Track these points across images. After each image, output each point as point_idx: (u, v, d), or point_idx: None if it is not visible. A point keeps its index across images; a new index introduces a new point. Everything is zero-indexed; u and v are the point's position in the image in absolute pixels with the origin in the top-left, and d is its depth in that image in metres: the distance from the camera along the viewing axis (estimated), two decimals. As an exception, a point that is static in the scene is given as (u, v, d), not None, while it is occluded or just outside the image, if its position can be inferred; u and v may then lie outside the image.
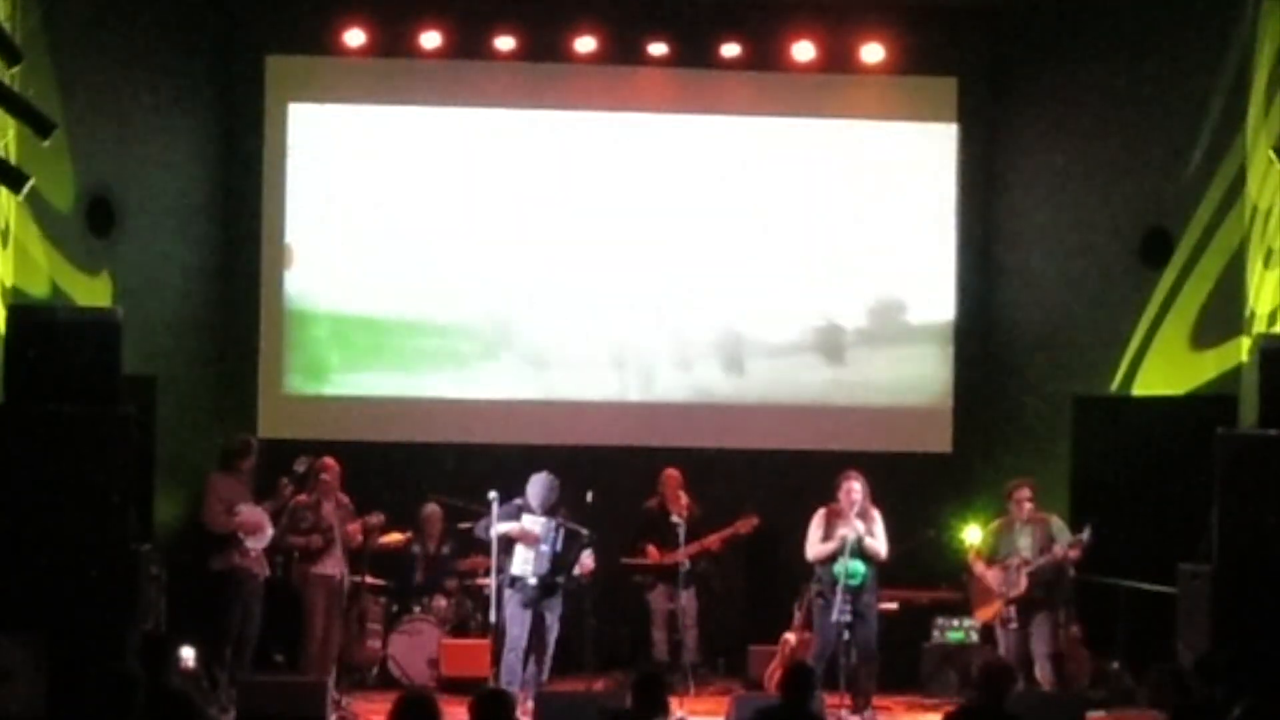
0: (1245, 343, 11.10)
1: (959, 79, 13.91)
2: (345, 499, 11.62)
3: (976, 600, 11.66)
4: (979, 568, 11.49)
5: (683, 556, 12.00)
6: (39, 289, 10.92)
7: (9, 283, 10.36)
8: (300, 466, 11.35)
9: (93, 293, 11.78)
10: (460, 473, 12.90)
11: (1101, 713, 11.06)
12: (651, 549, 12.77)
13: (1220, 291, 11.89)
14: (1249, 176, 11.42)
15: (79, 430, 9.63)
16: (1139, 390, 12.62)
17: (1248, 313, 11.28)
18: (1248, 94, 11.45)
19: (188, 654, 10.66)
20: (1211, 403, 11.55)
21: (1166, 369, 12.42)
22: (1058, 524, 11.33)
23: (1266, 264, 11.05)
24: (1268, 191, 11.13)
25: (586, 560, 11.54)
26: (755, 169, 13.91)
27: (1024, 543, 11.31)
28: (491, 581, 11.44)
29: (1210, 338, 12.01)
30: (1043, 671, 11.16)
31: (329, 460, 11.55)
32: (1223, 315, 11.82)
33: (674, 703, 11.26)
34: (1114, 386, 12.80)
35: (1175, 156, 12.42)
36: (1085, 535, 11.10)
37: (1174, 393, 12.26)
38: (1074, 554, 11.16)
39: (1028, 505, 11.35)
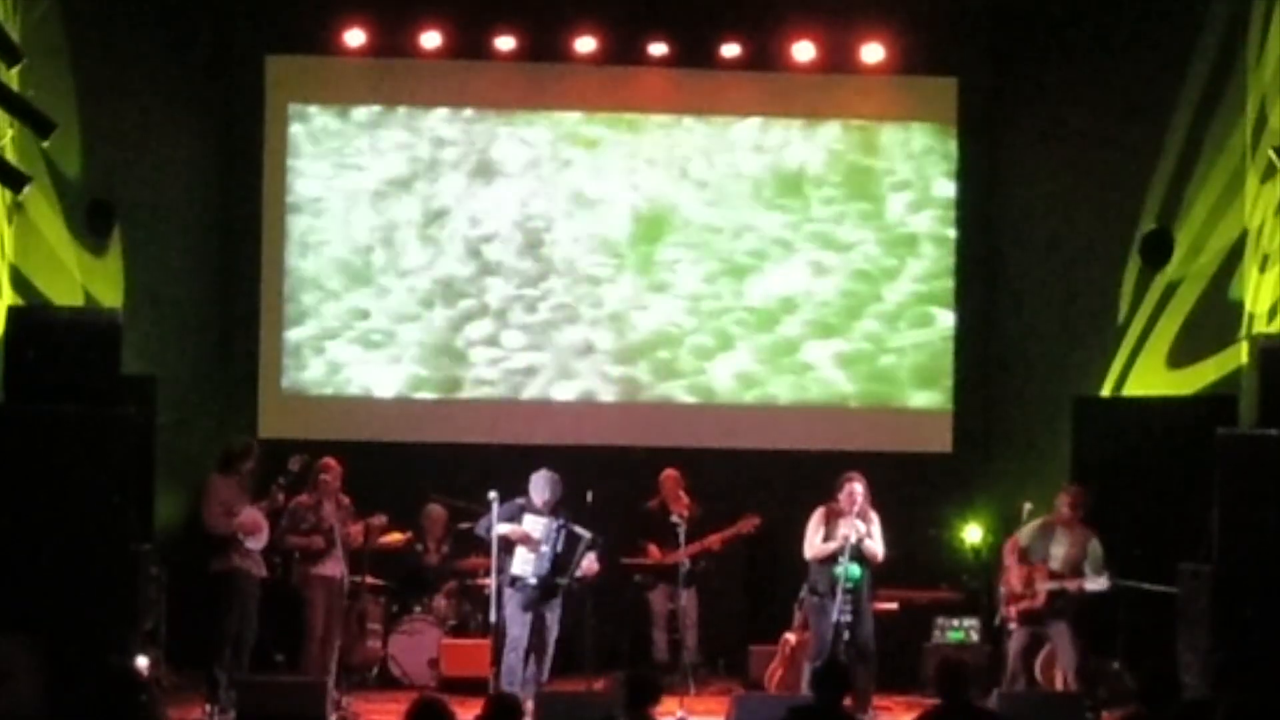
0: (1244, 345, 11.09)
1: (959, 79, 13.92)
2: (346, 499, 11.60)
3: (1003, 591, 11.53)
4: (1010, 560, 11.37)
5: (683, 556, 11.99)
6: (45, 269, 10.91)
7: (12, 259, 10.36)
8: (294, 465, 11.33)
9: (95, 274, 11.79)
10: (460, 473, 12.90)
11: (1102, 713, 11.06)
12: (652, 549, 12.78)
13: (1218, 292, 11.88)
14: (1247, 184, 11.41)
15: (79, 430, 9.63)
16: (1138, 391, 12.61)
17: (1246, 315, 11.27)
18: (1248, 92, 11.45)
19: (143, 662, 10.52)
20: (1211, 403, 11.54)
21: (1165, 370, 12.41)
22: (1095, 549, 11.13)
23: (1262, 270, 11.05)
24: (1259, 211, 11.14)
25: (590, 564, 11.52)
26: (755, 169, 13.91)
27: (1057, 551, 11.19)
28: (491, 581, 11.44)
29: (1208, 339, 12.00)
30: (1069, 683, 11.11)
31: (330, 461, 11.53)
32: (1220, 316, 11.81)
33: (674, 703, 11.34)
34: (1113, 387, 12.80)
35: (1175, 154, 12.41)
36: (1104, 583, 11.03)
37: (1174, 393, 12.25)
38: (1091, 587, 11.08)
39: (1066, 511, 11.24)
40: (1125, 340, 12.74)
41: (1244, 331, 11.21)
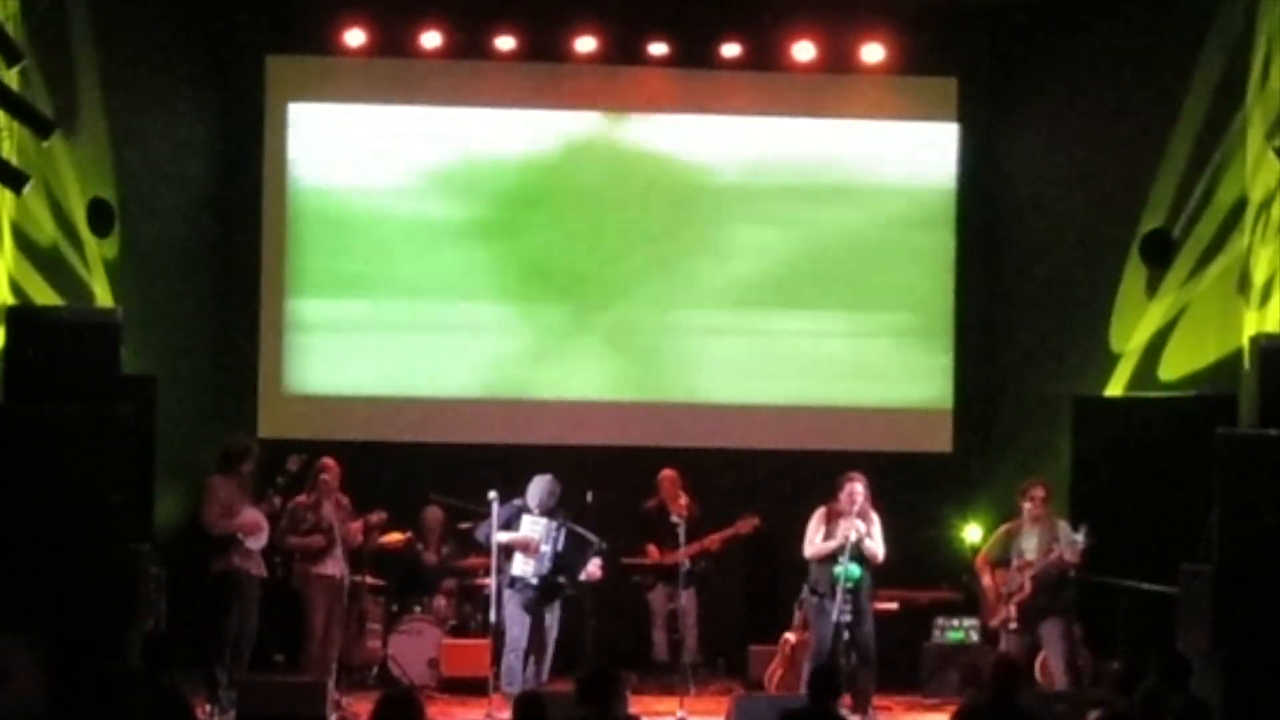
0: (1244, 345, 11.04)
1: (959, 79, 13.93)
2: (344, 499, 11.61)
3: (984, 605, 11.62)
4: (985, 576, 11.43)
5: (683, 556, 11.99)
6: (46, 232, 10.93)
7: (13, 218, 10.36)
8: (293, 466, 11.35)
9: (95, 272, 11.82)
10: (460, 473, 12.90)
11: (1097, 712, 11.05)
12: (651, 549, 12.79)
13: (1220, 291, 11.87)
14: (1246, 172, 11.40)
15: (79, 430, 9.61)
16: (1140, 390, 12.59)
17: (1248, 287, 11.22)
18: (1246, 93, 11.44)
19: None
20: (1211, 403, 11.53)
21: (1166, 369, 12.40)
22: (1065, 528, 11.23)
23: (1263, 238, 11.01)
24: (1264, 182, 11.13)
25: (594, 569, 11.53)
26: (755, 169, 13.91)
27: (1029, 544, 11.26)
28: (491, 581, 11.44)
29: (1209, 338, 11.99)
30: (1060, 678, 11.15)
31: (329, 460, 11.54)
32: (1222, 315, 11.80)
33: (674, 703, 11.34)
34: (1113, 386, 12.79)
35: (1176, 156, 12.39)
36: (1081, 538, 11.09)
37: (1173, 393, 12.24)
38: (1070, 557, 11.13)
39: (1037, 507, 11.28)
40: (1125, 340, 12.74)
41: (1247, 301, 11.16)
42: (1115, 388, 12.71)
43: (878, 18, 13.60)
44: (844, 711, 10.86)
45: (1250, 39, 11.38)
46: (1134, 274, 12.77)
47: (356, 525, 11.62)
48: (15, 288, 10.41)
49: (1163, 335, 12.35)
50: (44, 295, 10.82)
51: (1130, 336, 12.71)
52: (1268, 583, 9.78)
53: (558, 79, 13.80)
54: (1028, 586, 11.17)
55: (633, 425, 13.73)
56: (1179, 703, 7.65)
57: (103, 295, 11.82)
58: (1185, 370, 12.08)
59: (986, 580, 11.41)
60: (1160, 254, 12.46)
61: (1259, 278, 11.04)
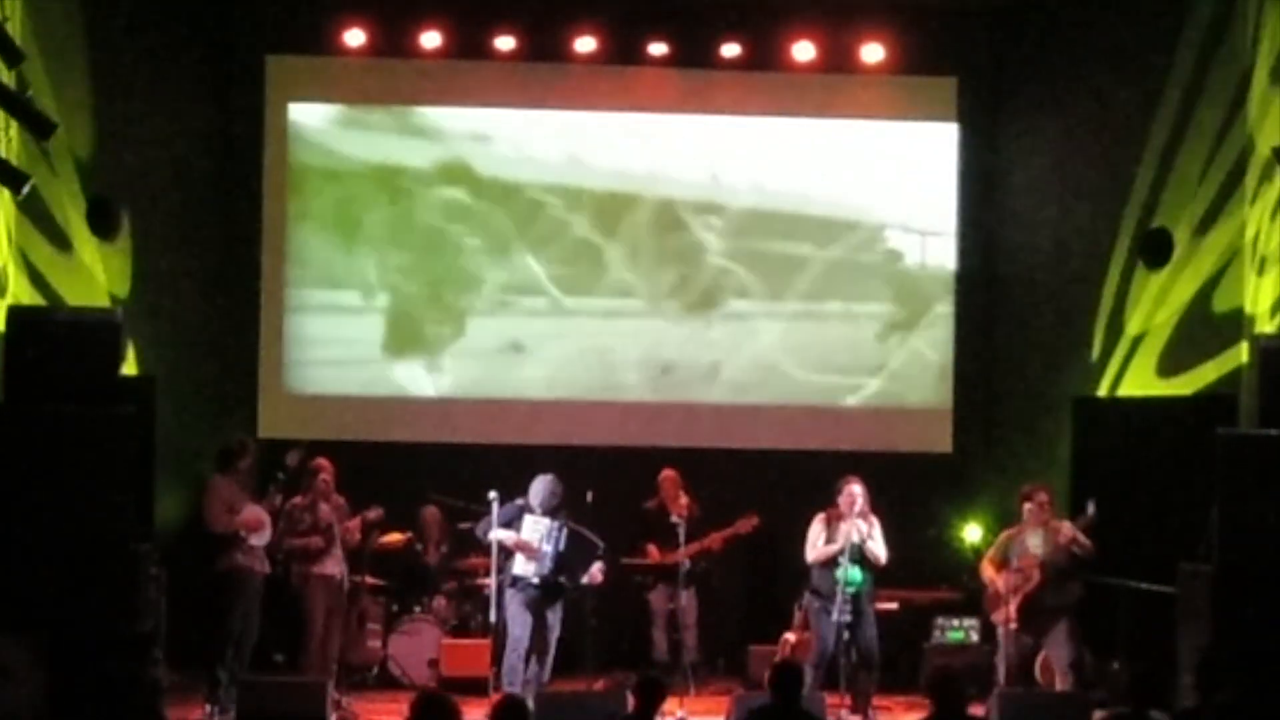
0: (1244, 345, 11.07)
1: (959, 79, 13.93)
2: (340, 499, 11.61)
3: (990, 605, 11.60)
4: (989, 573, 11.42)
5: (683, 556, 12.00)
6: (54, 264, 10.94)
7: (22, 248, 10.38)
8: (292, 461, 11.36)
9: (103, 248, 11.83)
10: (460, 473, 12.90)
11: (1102, 713, 11.06)
12: (651, 549, 12.78)
13: (1219, 291, 11.87)
14: (1246, 183, 11.40)
15: (79, 430, 9.61)
16: (1137, 390, 12.60)
17: (1245, 318, 11.25)
18: (1248, 94, 11.44)
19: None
20: (1211, 403, 11.53)
21: (1165, 369, 12.40)
22: (1069, 527, 11.26)
23: (1260, 272, 11.04)
24: (1256, 214, 11.13)
25: (596, 573, 11.53)
26: (755, 169, 13.91)
27: (1034, 543, 11.25)
28: (491, 581, 11.44)
29: (1208, 337, 12.00)
30: (1064, 680, 11.13)
31: (323, 460, 11.55)
32: (1221, 314, 11.81)
33: (674, 703, 11.33)
34: (1113, 387, 12.80)
35: (1176, 155, 12.40)
36: (1090, 512, 11.06)
37: (1174, 393, 12.25)
38: (1082, 537, 11.09)
39: (1039, 511, 11.27)
40: (1123, 340, 12.74)
41: (1244, 333, 11.19)
42: (1115, 388, 12.72)
43: (878, 18, 13.61)
44: (843, 712, 10.94)
45: (1256, 38, 11.38)
46: (1134, 273, 12.77)
47: (353, 524, 11.62)
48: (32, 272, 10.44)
49: (1164, 334, 12.35)
50: (53, 269, 10.85)
51: (1131, 335, 12.72)
52: (1268, 583, 9.79)
53: (558, 79, 13.80)
54: (1036, 576, 11.15)
55: (632, 425, 13.72)
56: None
57: (103, 294, 11.83)
58: (1185, 370, 12.09)
59: (990, 576, 11.39)
60: (1161, 253, 12.46)
61: (1268, 248, 11.06)
